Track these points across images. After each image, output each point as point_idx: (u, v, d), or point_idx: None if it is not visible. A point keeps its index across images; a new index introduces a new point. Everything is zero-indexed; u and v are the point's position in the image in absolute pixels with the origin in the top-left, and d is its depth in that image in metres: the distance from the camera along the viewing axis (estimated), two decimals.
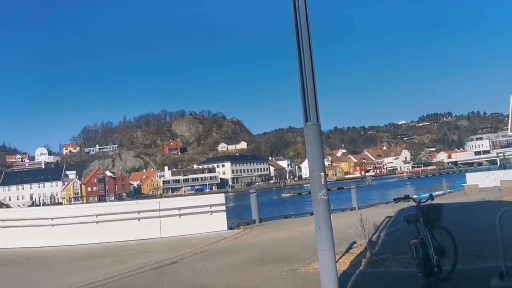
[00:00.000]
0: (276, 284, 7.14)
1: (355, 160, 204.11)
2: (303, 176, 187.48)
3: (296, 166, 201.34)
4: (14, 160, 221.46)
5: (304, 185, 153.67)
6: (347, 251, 8.97)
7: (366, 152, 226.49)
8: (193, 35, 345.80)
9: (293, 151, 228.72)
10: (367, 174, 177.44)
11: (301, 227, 14.07)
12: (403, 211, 12.64)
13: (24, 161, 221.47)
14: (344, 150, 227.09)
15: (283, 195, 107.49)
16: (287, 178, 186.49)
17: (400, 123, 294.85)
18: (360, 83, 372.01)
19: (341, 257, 8.36)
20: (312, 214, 18.52)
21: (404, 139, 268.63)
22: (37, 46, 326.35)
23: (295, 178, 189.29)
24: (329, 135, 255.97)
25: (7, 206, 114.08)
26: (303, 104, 6.15)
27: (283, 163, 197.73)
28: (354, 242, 9.61)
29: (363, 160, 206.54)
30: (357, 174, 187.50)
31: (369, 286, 6.56)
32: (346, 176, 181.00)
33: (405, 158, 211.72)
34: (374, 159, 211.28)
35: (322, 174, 5.99)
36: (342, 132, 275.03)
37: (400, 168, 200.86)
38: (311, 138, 6.07)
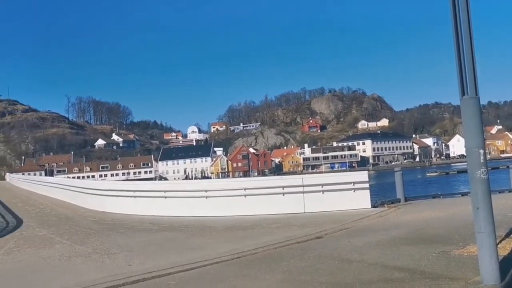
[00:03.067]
0: (426, 265, 6.86)
1: None
2: (451, 154, 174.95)
3: (443, 144, 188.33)
4: (170, 137, 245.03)
5: (452, 164, 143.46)
6: (507, 235, 8.21)
7: None
8: (328, 12, 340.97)
9: (439, 128, 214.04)
10: None
11: (452, 207, 13.22)
12: None
13: (178, 138, 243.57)
14: (500, 127, 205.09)
15: (428, 174, 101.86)
16: (432, 156, 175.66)
17: None
18: None
19: (500, 241, 7.68)
20: (463, 194, 17.33)
21: None
22: (188, 27, 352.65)
23: (442, 157, 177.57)
24: (482, 110, 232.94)
25: (165, 179, 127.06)
26: (459, 76, 5.74)
27: (428, 141, 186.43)
28: None
29: None
30: None
31: None
32: (502, 155, 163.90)
33: None
34: None
35: (481, 151, 5.59)
36: (498, 107, 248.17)
37: None
38: (469, 113, 5.68)
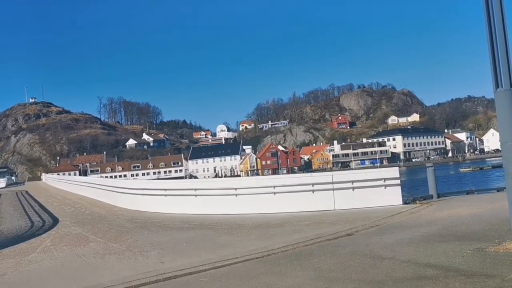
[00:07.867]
0: (460, 262, 6.70)
1: None
2: (486, 149, 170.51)
3: (477, 139, 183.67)
4: (199, 136, 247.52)
5: (487, 159, 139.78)
6: None
7: None
8: (354, 8, 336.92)
9: (472, 122, 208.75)
10: None
11: (487, 203, 12.86)
12: None
13: (208, 137, 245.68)
14: None
15: (461, 169, 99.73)
16: (466, 151, 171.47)
17: None
18: None
19: None
20: (499, 190, 16.81)
21: None
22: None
23: (476, 152, 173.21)
24: None
25: (195, 178, 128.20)
26: (492, 68, 5.58)
27: (461, 136, 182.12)
28: None
29: None
30: None
31: None
32: None
33: None
34: None
35: None
36: None
37: None
38: (503, 106, 5.50)
